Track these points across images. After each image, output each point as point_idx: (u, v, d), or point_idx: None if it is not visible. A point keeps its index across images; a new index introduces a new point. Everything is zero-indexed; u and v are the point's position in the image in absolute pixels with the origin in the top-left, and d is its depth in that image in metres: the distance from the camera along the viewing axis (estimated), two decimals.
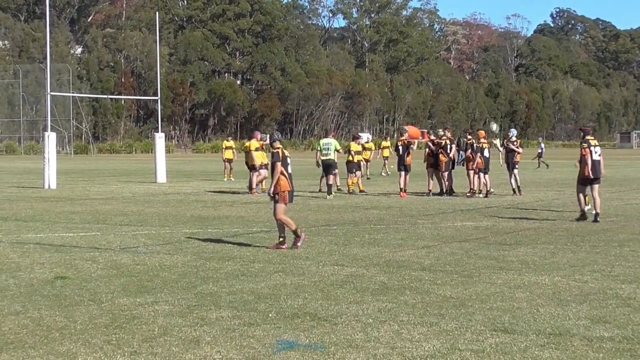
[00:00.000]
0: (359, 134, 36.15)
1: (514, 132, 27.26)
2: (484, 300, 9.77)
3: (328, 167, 26.29)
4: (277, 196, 14.01)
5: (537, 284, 10.81)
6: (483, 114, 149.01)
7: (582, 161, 18.69)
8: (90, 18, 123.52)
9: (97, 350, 7.66)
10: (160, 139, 37.42)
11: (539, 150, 52.67)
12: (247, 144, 28.90)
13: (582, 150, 18.75)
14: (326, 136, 28.38)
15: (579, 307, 9.35)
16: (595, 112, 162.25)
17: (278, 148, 14.30)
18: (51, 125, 36.36)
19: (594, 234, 16.13)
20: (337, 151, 26.83)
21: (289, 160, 14.31)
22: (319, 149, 27.14)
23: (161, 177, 35.96)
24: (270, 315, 9.03)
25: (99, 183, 35.46)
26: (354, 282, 10.99)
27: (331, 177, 26.13)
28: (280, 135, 14.89)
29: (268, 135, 15.01)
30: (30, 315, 9.10)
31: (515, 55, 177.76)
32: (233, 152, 37.09)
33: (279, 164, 14.03)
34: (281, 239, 14.09)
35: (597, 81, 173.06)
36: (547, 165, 50.35)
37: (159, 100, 41.61)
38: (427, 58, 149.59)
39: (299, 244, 14.03)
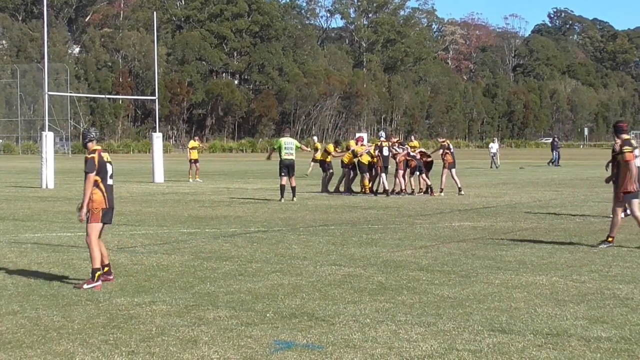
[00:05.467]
0: (358, 134, 36.24)
1: (382, 134, 28.54)
2: (482, 300, 9.77)
3: (290, 167, 24.92)
4: (88, 214, 10.84)
5: (534, 284, 10.81)
6: (481, 114, 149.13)
7: (623, 169, 14.18)
8: (87, 18, 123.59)
9: (94, 350, 7.66)
10: (157, 138, 37.43)
11: (493, 151, 52.82)
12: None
13: (626, 155, 14.12)
14: (284, 135, 26.27)
15: (576, 307, 9.36)
16: (593, 112, 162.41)
17: (94, 151, 11.00)
18: (49, 125, 36.32)
19: (591, 234, 16.13)
20: (299, 148, 25.74)
21: (109, 168, 11.01)
22: (277, 146, 25.40)
23: (159, 176, 35.95)
24: (267, 315, 9.03)
25: None
26: (351, 282, 10.99)
27: (293, 179, 24.88)
28: (96, 133, 11.49)
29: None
30: (28, 314, 9.09)
31: (513, 55, 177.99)
32: (198, 153, 36.99)
33: (91, 175, 10.82)
34: (106, 268, 11.02)
35: (594, 81, 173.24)
36: (497, 166, 50.89)
37: (157, 100, 41.62)
38: (425, 58, 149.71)
39: (86, 286, 10.54)
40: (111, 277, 11.02)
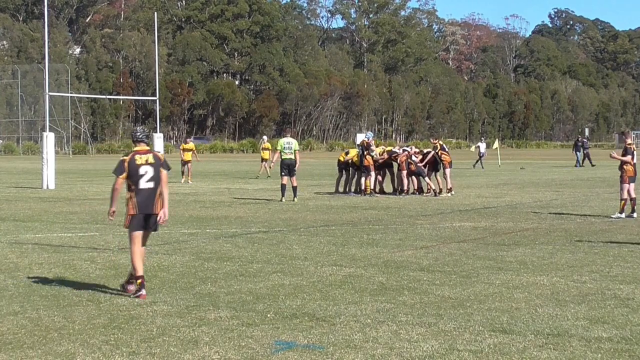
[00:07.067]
0: (358, 134, 36.30)
1: (370, 134, 28.73)
2: (483, 300, 9.77)
3: (291, 167, 25.06)
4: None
5: (535, 284, 10.81)
6: (481, 114, 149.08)
7: None
8: (88, 18, 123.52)
9: (95, 350, 7.66)
10: (158, 139, 37.45)
11: (481, 151, 52.47)
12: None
13: None
14: (284, 135, 26.48)
15: (577, 308, 9.36)
16: (594, 112, 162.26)
17: (130, 152, 10.50)
18: (50, 126, 36.32)
19: (592, 235, 16.14)
20: (297, 151, 25.32)
21: (143, 171, 10.20)
22: (279, 148, 25.52)
23: None
24: (268, 315, 9.03)
25: (97, 183, 35.42)
26: (352, 282, 10.99)
27: (294, 179, 25.05)
28: (143, 133, 10.61)
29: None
30: (29, 315, 9.10)
31: (513, 55, 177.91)
32: (192, 155, 36.69)
33: (118, 179, 10.24)
34: (139, 280, 10.24)
35: (595, 82, 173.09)
36: (482, 167, 50.52)
37: (157, 101, 41.60)
38: (426, 58, 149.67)
39: (128, 288, 10.32)
40: (140, 291, 10.08)
